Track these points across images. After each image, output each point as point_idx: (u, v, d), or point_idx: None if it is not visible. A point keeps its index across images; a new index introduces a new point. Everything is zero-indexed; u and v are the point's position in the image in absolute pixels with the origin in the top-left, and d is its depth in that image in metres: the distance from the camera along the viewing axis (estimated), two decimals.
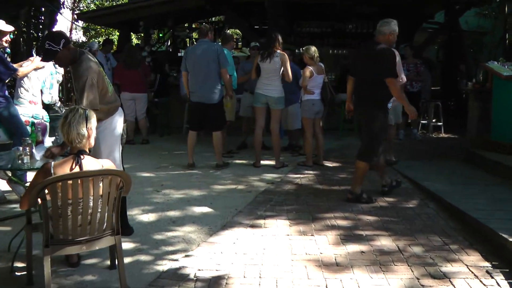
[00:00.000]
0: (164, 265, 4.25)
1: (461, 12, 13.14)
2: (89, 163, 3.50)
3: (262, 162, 8.30)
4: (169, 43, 16.87)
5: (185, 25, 15.26)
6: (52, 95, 6.83)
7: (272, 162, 8.24)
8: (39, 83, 6.51)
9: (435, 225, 5.27)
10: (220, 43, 9.03)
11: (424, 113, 11.78)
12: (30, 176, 5.33)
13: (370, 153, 6.10)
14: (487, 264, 4.28)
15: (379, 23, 6.06)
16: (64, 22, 25.40)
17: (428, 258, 4.39)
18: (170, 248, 4.65)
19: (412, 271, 4.10)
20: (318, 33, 14.56)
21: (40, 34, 14.79)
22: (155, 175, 7.52)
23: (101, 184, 3.39)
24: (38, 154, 4.47)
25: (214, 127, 7.90)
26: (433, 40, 13.12)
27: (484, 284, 3.87)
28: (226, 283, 3.88)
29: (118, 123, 4.74)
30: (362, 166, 6.11)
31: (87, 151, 3.59)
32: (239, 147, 9.73)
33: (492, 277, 3.99)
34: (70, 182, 3.25)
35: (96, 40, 20.50)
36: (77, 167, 3.44)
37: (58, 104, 7.10)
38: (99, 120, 4.52)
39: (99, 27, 26.19)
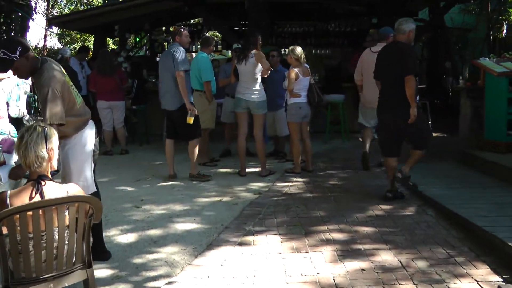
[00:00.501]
0: None
1: (446, 9, 12.85)
2: (52, 190, 3.05)
3: (248, 170, 7.90)
4: (146, 48, 16.37)
5: (163, 28, 14.78)
6: (20, 108, 6.36)
7: (258, 170, 7.84)
8: (4, 95, 6.04)
9: (437, 234, 4.91)
10: (199, 47, 8.62)
11: None
12: None
13: (426, 140, 6.23)
14: (497, 278, 3.94)
15: (398, 22, 6.07)
16: (37, 28, 24.85)
17: (434, 274, 4.03)
18: (152, 274, 4.24)
19: None
20: (300, 33, 14.21)
21: None
22: (135, 189, 7.07)
23: (66, 213, 2.96)
24: (2, 176, 4.01)
25: (185, 136, 7.48)
26: (418, 37, 12.78)
27: None
28: None
29: (89, 138, 4.28)
30: (421, 154, 6.22)
31: (49, 175, 3.14)
32: (222, 154, 9.32)
33: None
34: (29, 213, 2.81)
35: (71, 47, 19.98)
36: (38, 195, 2.99)
37: (27, 117, 6.63)
38: (66, 136, 4.10)
39: (74, 33, 25.58)
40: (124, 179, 7.68)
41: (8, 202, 2.92)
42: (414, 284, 3.85)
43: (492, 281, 3.87)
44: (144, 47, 16.51)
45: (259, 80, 7.51)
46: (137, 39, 16.46)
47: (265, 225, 5.34)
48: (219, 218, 5.63)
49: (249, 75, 7.46)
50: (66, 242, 3.02)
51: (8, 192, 2.98)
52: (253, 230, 5.16)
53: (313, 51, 14.35)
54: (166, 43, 14.63)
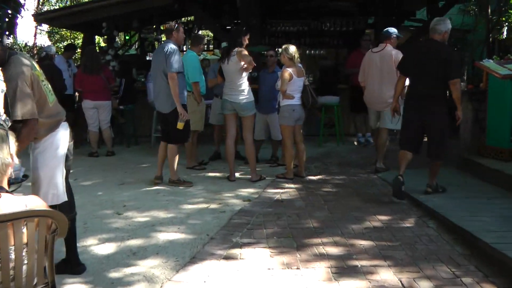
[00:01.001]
0: None
1: (444, 9, 12.49)
2: (8, 203, 2.65)
3: (237, 174, 7.54)
4: (136, 46, 15.96)
5: (153, 26, 14.35)
6: None
7: (248, 175, 7.46)
8: None
9: (440, 250, 4.53)
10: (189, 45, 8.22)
11: None
12: None
13: (444, 151, 6.16)
14: None
15: (433, 22, 6.14)
16: (27, 26, 24.41)
17: None
18: None
19: None
20: (294, 32, 13.82)
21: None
22: (118, 194, 6.68)
23: (24, 230, 2.57)
24: None
25: (174, 139, 7.07)
26: (417, 38, 12.43)
27: None
28: None
29: (62, 141, 3.87)
30: (439, 164, 6.20)
31: (5, 186, 2.75)
32: (211, 157, 8.95)
33: None
34: None
35: (60, 45, 19.50)
36: None
37: (3, 117, 6.20)
38: (36, 138, 3.71)
39: (64, 31, 25.07)
40: (108, 183, 7.30)
41: None
42: None
43: None
44: (135, 45, 16.09)
45: (245, 80, 7.13)
46: (127, 37, 16.06)
47: (253, 236, 4.95)
48: (204, 227, 5.24)
49: (233, 75, 7.09)
50: (25, 262, 2.64)
51: None
52: (241, 242, 4.77)
53: (307, 51, 14.03)
54: (157, 42, 14.23)
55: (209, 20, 12.69)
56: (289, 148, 7.25)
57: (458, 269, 4.08)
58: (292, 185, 7.03)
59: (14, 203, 2.67)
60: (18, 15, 15.07)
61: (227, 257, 4.42)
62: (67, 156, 3.92)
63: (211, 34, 18.22)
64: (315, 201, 6.22)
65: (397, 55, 7.43)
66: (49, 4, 28.10)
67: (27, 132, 3.55)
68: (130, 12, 11.43)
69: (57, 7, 25.87)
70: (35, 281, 2.73)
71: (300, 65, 7.27)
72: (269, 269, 4.16)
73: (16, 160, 2.84)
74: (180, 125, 6.78)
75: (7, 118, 5.36)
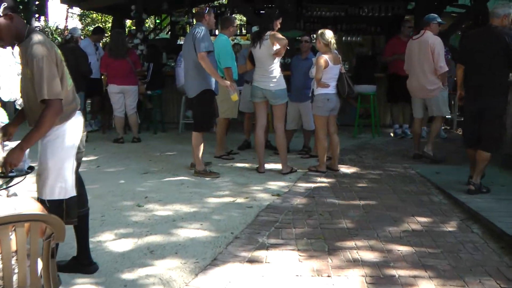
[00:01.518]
0: None
1: None
2: None
3: (267, 166, 7.14)
4: (168, 30, 15.63)
5: (185, 9, 13.99)
6: (12, 91, 5.64)
7: (279, 166, 7.06)
8: None
9: (487, 261, 4.05)
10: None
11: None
12: None
13: (496, 142, 5.91)
14: None
15: (494, 6, 6.00)
16: (59, 9, 24.29)
17: None
18: None
19: None
20: (330, 17, 13.33)
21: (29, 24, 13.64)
22: (140, 184, 6.36)
23: (13, 236, 2.23)
24: None
25: (196, 125, 6.84)
26: (460, 25, 11.83)
27: None
28: None
29: (74, 131, 3.50)
30: (487, 157, 5.80)
31: None
32: (240, 146, 8.56)
33: None
34: None
35: (90, 28, 19.22)
36: None
37: (19, 101, 5.92)
38: None
39: (95, 14, 24.85)
40: (131, 171, 6.99)
41: None
42: None
43: None
44: (166, 29, 15.77)
45: (277, 66, 6.72)
46: (158, 21, 15.74)
47: (281, 236, 4.56)
48: (229, 224, 4.87)
49: (264, 60, 6.67)
50: (16, 271, 2.31)
51: None
52: (267, 243, 4.39)
53: (343, 37, 13.51)
54: (188, 25, 13.87)
55: (241, 4, 12.25)
56: (322, 139, 6.82)
57: (508, 285, 3.62)
58: (324, 179, 6.61)
59: (2, 206, 2.32)
60: None
61: (251, 260, 4.05)
62: (79, 148, 3.56)
63: (244, 18, 17.78)
64: (349, 198, 5.79)
65: (435, 42, 7.27)
66: None
67: (52, 114, 3.22)
68: None
69: None
70: None
71: (336, 51, 6.81)
72: (297, 276, 3.77)
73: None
74: (234, 97, 6.70)
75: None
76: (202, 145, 6.73)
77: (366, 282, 3.65)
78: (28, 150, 3.30)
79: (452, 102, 9.91)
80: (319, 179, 6.62)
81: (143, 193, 5.93)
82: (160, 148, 8.69)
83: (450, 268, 3.88)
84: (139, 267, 3.93)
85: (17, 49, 3.51)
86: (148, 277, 3.76)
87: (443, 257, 4.11)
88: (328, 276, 3.75)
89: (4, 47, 4.27)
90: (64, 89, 3.36)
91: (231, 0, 12.49)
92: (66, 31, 23.70)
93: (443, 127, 9.50)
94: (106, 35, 14.61)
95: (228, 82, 6.56)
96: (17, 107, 5.80)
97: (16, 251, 2.27)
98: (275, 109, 6.85)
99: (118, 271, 3.88)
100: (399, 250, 4.24)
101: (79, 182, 3.69)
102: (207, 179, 6.59)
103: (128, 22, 16.28)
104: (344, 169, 7.20)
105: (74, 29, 9.89)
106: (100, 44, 11.05)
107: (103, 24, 24.20)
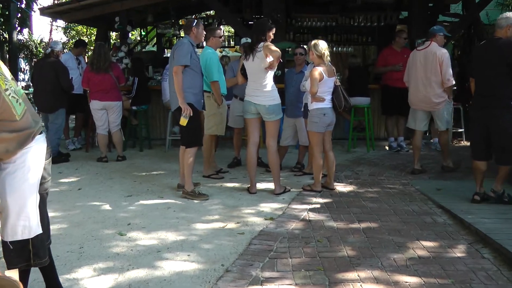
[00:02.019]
0: None
1: (481, 3, 11.54)
2: None
3: (259, 185, 6.74)
4: (154, 43, 15.26)
5: (172, 21, 13.62)
6: None
7: (271, 185, 6.66)
8: None
9: None
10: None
11: None
12: None
13: (509, 155, 5.72)
14: None
15: (499, 17, 5.82)
16: (44, 22, 23.87)
17: None
18: None
19: None
20: (320, 28, 13.03)
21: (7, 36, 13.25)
22: (123, 208, 5.93)
23: None
24: None
25: (182, 140, 6.53)
26: (453, 35, 11.53)
27: None
28: None
29: (36, 159, 3.05)
30: (506, 169, 5.76)
31: None
32: (230, 164, 8.16)
33: None
34: None
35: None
36: None
37: None
38: (2, 158, 2.96)
39: (80, 27, 24.39)
40: (114, 194, 6.57)
41: None
42: None
43: None
44: (150, 42, 15.41)
45: (271, 79, 6.35)
46: (143, 33, 15.36)
47: (277, 268, 4.14)
48: (219, 254, 4.46)
49: (258, 74, 6.29)
50: None
51: None
52: (261, 277, 3.96)
53: (334, 48, 13.21)
54: (175, 38, 13.51)
55: (229, 15, 11.90)
56: (318, 157, 6.43)
57: None
58: (320, 200, 6.21)
59: None
60: (31, 10, 14.54)
61: None
62: (43, 177, 3.13)
63: (232, 30, 17.42)
64: (347, 220, 5.39)
65: (443, 54, 7.12)
66: None
67: None
68: (145, 6, 10.68)
69: None
70: None
71: (330, 63, 6.45)
72: None
73: None
74: (183, 121, 6.13)
75: None
76: (192, 163, 6.35)
77: None
78: None
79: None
80: (314, 199, 6.22)
81: (126, 219, 5.51)
82: (146, 167, 8.27)
83: None
84: None
85: None
86: None
87: None
88: None
89: None
90: (11, 119, 2.88)
91: (219, 11, 12.11)
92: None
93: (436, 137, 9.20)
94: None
95: (186, 105, 6.14)
96: None
97: None
98: (269, 125, 6.46)
99: None
100: (406, 282, 3.84)
101: (44, 215, 3.25)
102: (195, 201, 6.17)
103: (113, 35, 15.90)
104: (340, 187, 6.82)
105: (55, 42, 9.48)
106: (86, 58, 10.67)
107: (89, 37, 23.78)
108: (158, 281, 3.93)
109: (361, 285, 3.80)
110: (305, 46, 7.44)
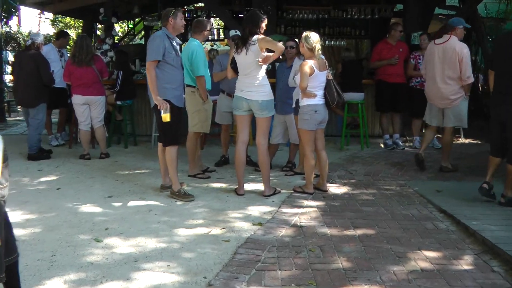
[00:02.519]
0: None
1: None
2: None
3: (247, 186, 6.37)
4: (142, 36, 14.84)
5: (159, 13, 13.19)
6: None
7: (260, 186, 6.28)
8: None
9: None
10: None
11: None
12: None
13: None
14: None
15: None
16: (32, 14, 23.36)
17: None
18: None
19: None
20: (312, 20, 12.66)
21: None
22: (102, 211, 5.53)
23: None
24: None
25: (158, 138, 6.31)
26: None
27: None
28: None
29: None
30: None
31: None
32: (218, 163, 7.77)
33: None
34: None
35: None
36: None
37: None
38: None
39: (68, 19, 23.82)
40: (94, 195, 6.19)
41: None
42: None
43: None
44: (138, 34, 15.00)
45: (264, 73, 5.96)
46: (131, 26, 14.93)
47: (264, 282, 3.74)
48: (202, 264, 4.07)
49: (251, 68, 5.89)
50: None
51: None
52: None
53: (327, 41, 12.86)
54: None
55: (218, 7, 11.49)
56: (310, 157, 6.03)
57: None
58: (312, 202, 5.82)
59: None
60: (18, 4, 14.04)
61: None
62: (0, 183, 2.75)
63: (222, 23, 17.01)
64: (342, 226, 5.00)
65: (463, 50, 6.77)
66: None
67: None
68: None
69: None
70: None
71: (322, 56, 6.06)
72: None
73: None
74: (165, 117, 5.76)
75: None
76: (175, 161, 6.02)
77: None
78: None
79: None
80: (306, 202, 5.83)
81: (104, 223, 5.11)
82: (129, 165, 7.87)
83: None
84: None
85: None
86: None
87: None
88: None
89: None
90: None
91: (208, 3, 11.70)
92: None
93: (436, 136, 8.83)
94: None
95: (160, 100, 5.77)
96: None
97: None
98: (261, 122, 6.06)
99: None
100: None
101: (5, 224, 2.88)
102: (179, 203, 5.78)
103: (100, 27, 15.46)
104: (334, 188, 6.44)
105: (36, 34, 9.04)
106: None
107: (76, 29, 23.24)
108: None
109: None
110: (296, 40, 7.03)
